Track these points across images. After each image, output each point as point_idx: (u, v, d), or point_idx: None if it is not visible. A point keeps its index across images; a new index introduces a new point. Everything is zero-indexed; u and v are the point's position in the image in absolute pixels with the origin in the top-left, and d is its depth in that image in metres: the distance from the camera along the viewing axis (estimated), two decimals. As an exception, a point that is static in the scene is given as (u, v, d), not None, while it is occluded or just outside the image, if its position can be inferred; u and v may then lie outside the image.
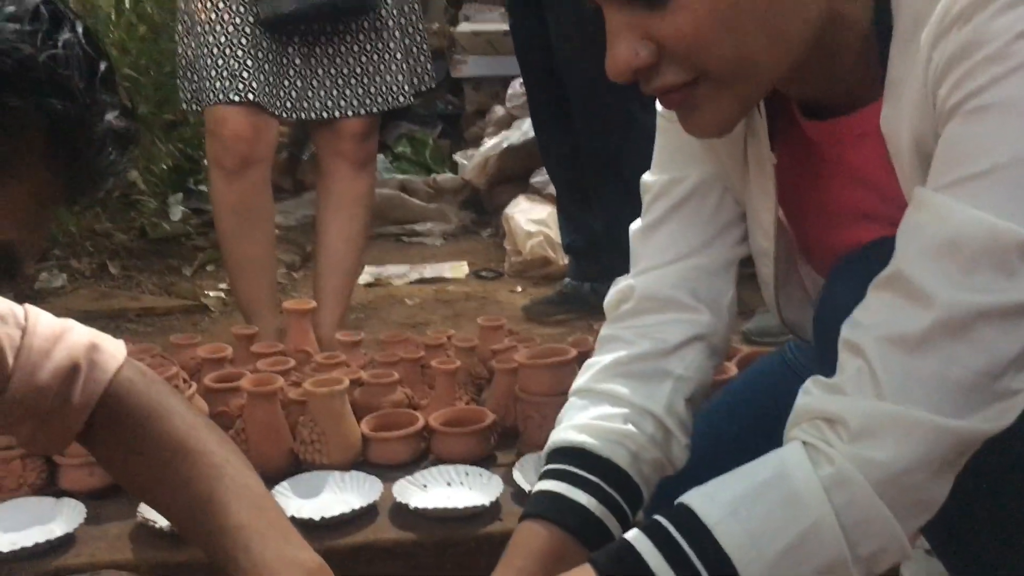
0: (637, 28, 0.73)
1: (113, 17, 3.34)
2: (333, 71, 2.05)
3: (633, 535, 0.73)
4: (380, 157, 4.32)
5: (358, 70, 2.06)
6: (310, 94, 2.05)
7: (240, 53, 1.95)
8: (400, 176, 4.09)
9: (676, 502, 0.74)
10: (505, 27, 3.21)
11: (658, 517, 0.73)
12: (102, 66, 0.59)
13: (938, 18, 0.69)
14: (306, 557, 0.77)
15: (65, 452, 1.41)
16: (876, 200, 0.83)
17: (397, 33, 2.09)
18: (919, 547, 1.30)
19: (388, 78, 2.08)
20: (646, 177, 1.00)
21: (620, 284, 1.00)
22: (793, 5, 0.72)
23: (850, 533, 0.69)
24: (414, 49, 2.15)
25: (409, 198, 3.87)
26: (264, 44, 1.98)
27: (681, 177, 0.96)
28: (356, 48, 2.06)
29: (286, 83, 2.02)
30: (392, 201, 3.82)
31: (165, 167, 3.59)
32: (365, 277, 3.18)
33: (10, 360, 0.80)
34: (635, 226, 1.00)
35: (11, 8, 0.55)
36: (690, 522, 0.71)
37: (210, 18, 1.96)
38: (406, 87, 2.11)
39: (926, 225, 0.68)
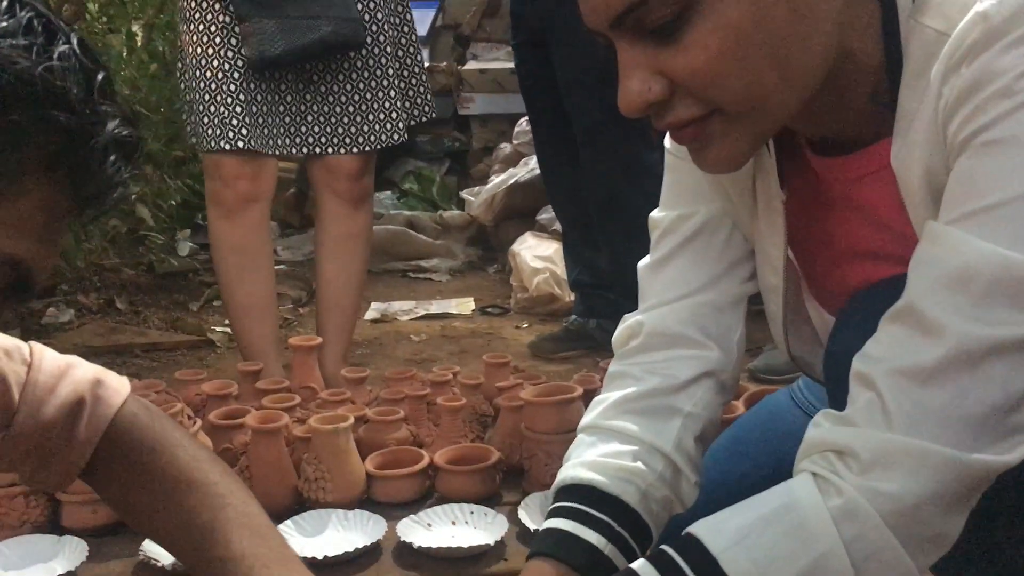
0: (650, 63, 0.73)
1: (125, 55, 3.38)
2: (326, 108, 2.06)
3: (639, 564, 0.72)
4: (387, 193, 4.36)
5: (351, 108, 2.07)
6: (303, 130, 2.06)
7: (230, 100, 1.96)
8: (407, 212, 4.11)
9: (683, 532, 0.73)
10: (511, 66, 3.24)
11: (664, 547, 0.73)
12: (100, 76, 0.59)
13: (947, 54, 0.69)
14: None
15: (67, 490, 1.41)
16: (885, 238, 0.83)
17: (391, 70, 2.09)
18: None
19: (382, 116, 2.08)
20: (655, 213, 1.00)
21: (629, 320, 0.99)
22: (805, 41, 0.73)
23: (860, 567, 0.68)
24: (413, 81, 2.15)
25: (416, 234, 3.88)
26: (254, 83, 1.98)
27: (690, 213, 0.96)
28: (349, 86, 2.06)
29: (277, 120, 2.03)
30: (399, 237, 3.83)
31: (173, 203, 3.61)
32: (371, 313, 3.18)
33: (16, 396, 0.79)
34: (644, 262, 1.00)
35: (4, 23, 0.55)
36: (696, 551, 0.70)
37: (199, 58, 1.97)
38: (400, 124, 2.11)
39: (938, 258, 0.68)
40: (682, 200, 0.97)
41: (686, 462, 0.92)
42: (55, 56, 0.56)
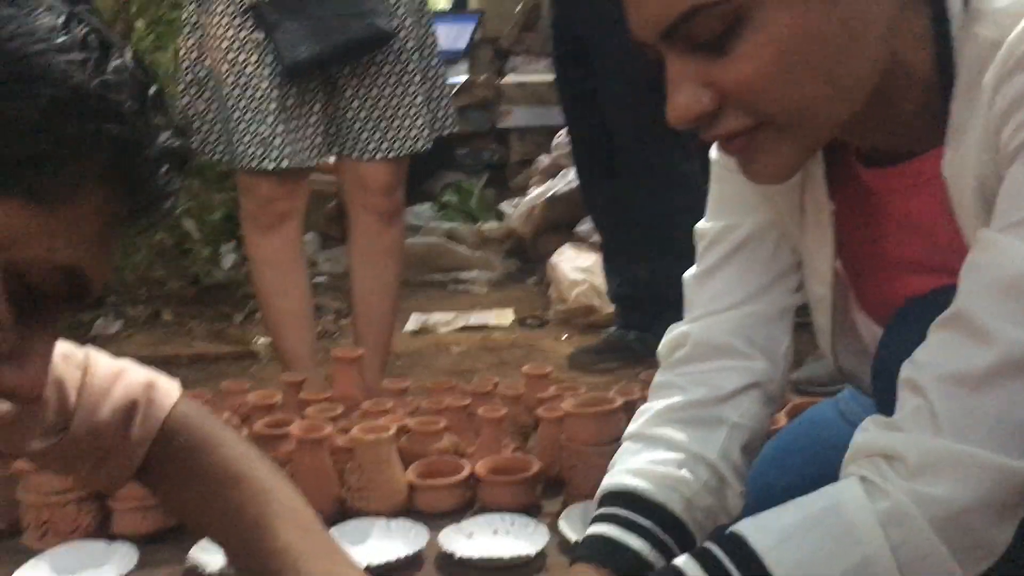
0: (699, 75, 0.73)
1: (172, 71, 3.45)
2: (350, 114, 2.07)
3: (682, 560, 0.73)
4: (426, 206, 4.40)
5: (375, 113, 2.07)
6: (332, 131, 2.08)
7: (271, 119, 1.97)
8: (446, 224, 4.13)
9: (728, 530, 0.73)
10: (550, 78, 3.26)
11: (708, 544, 0.73)
12: (152, 90, 0.60)
13: (1000, 62, 0.69)
14: (355, 575, 0.77)
15: (117, 496, 1.44)
16: (935, 249, 0.83)
17: (417, 77, 2.09)
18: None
19: (407, 122, 2.08)
20: (701, 224, 1.00)
21: (675, 331, 1.00)
22: (856, 54, 0.73)
23: (906, 570, 0.67)
24: (435, 93, 2.16)
25: (455, 246, 3.91)
26: (290, 100, 2.00)
27: (736, 224, 0.96)
28: (375, 91, 2.06)
29: (309, 131, 2.04)
30: (438, 249, 3.86)
31: (217, 216, 3.67)
32: (411, 325, 3.20)
33: (72, 399, 0.82)
34: (690, 273, 1.00)
35: (61, 39, 0.56)
36: (740, 549, 0.70)
37: (237, 76, 1.98)
38: (426, 131, 2.11)
39: (989, 265, 0.68)
40: (729, 211, 0.97)
41: (731, 472, 0.92)
42: (109, 70, 0.58)
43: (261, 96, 1.98)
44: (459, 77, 4.75)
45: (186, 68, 2.09)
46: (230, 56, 2.00)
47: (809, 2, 0.70)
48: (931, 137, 0.77)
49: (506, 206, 4.10)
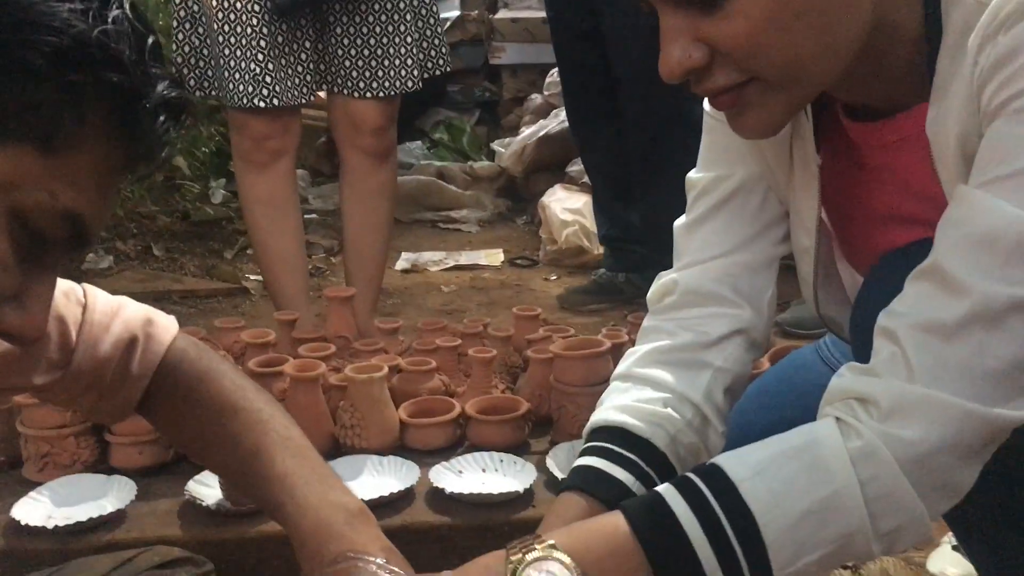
0: (691, 30, 0.74)
1: (161, 2, 3.40)
2: (340, 52, 2.06)
3: (663, 488, 0.76)
4: (418, 143, 4.37)
5: (366, 52, 2.06)
6: (322, 68, 2.07)
7: (260, 56, 1.96)
8: (437, 163, 4.12)
9: (708, 463, 0.77)
10: (543, 14, 3.21)
11: (688, 474, 0.77)
12: (150, 40, 0.62)
13: (984, 23, 0.71)
14: (348, 500, 0.81)
15: (115, 431, 1.47)
16: (916, 202, 0.85)
17: (409, 15, 2.08)
18: (946, 542, 1.31)
19: (397, 61, 2.07)
20: (692, 174, 1.02)
21: (663, 278, 1.02)
22: (845, 13, 0.74)
23: (872, 505, 0.71)
24: (427, 32, 2.14)
25: (446, 185, 3.90)
26: (280, 36, 1.98)
27: (726, 175, 0.98)
28: (365, 29, 2.05)
29: (300, 68, 2.03)
30: (429, 187, 3.86)
31: (207, 151, 3.65)
32: (401, 263, 3.22)
33: (73, 335, 0.84)
34: (679, 222, 1.02)
35: None
36: (718, 479, 0.74)
37: (227, 12, 1.96)
38: (415, 71, 2.10)
39: (964, 219, 0.70)
40: (719, 162, 0.99)
41: (714, 412, 0.95)
42: (110, 20, 0.59)
43: (252, 33, 1.96)
44: (451, 12, 4.68)
45: (179, 3, 2.06)
46: None
47: None
48: (917, 94, 0.79)
49: (498, 145, 4.08)
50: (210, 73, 2.05)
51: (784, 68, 0.75)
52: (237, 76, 1.97)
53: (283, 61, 2.00)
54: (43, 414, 1.45)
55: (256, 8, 1.96)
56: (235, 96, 1.99)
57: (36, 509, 1.34)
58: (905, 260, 0.77)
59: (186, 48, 2.06)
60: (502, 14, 4.60)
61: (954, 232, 0.71)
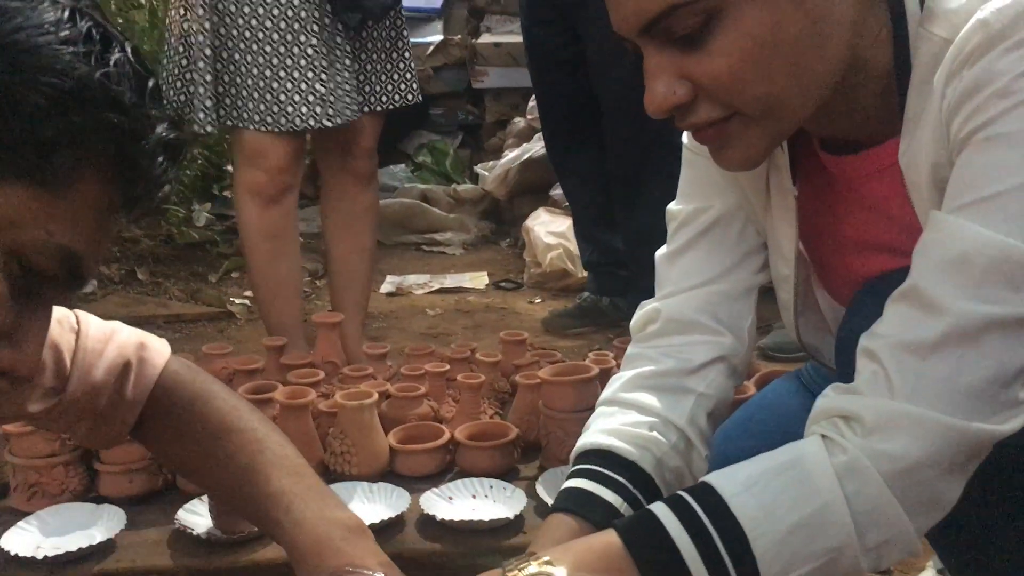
0: (675, 68, 0.77)
1: (147, 28, 3.42)
2: (367, 67, 2.11)
3: (655, 505, 0.78)
4: (401, 166, 4.39)
5: (388, 66, 2.13)
6: (367, 89, 2.10)
7: (325, 76, 1.97)
8: (421, 186, 4.14)
9: (699, 481, 0.79)
10: (526, 40, 3.24)
11: (680, 492, 0.78)
12: (150, 83, 0.63)
13: (951, 58, 0.74)
14: (345, 516, 0.81)
15: (104, 460, 1.47)
16: (893, 231, 0.88)
17: (405, 31, 2.15)
18: (931, 567, 1.33)
19: (396, 76, 2.13)
20: (672, 206, 1.04)
21: (646, 307, 1.04)
22: (821, 49, 0.77)
23: (859, 519, 0.73)
24: (400, 64, 2.18)
25: (430, 208, 3.92)
26: (333, 56, 2.01)
27: (705, 207, 1.01)
28: (388, 44, 2.12)
29: (348, 87, 2.05)
30: (413, 210, 3.88)
31: (191, 174, 3.65)
32: (386, 286, 3.23)
33: (68, 362, 0.84)
34: (661, 252, 1.05)
35: (65, 32, 0.59)
36: (708, 495, 0.76)
37: (284, 33, 1.96)
38: (415, 86, 2.16)
39: (939, 243, 0.73)
40: (698, 194, 1.02)
41: (698, 437, 0.97)
42: (111, 63, 0.60)
43: (313, 54, 1.97)
44: (434, 36, 4.72)
45: (175, 29, 2.03)
46: (282, 15, 1.96)
47: (780, 1, 0.74)
48: (889, 127, 0.82)
49: (481, 168, 4.11)
50: (208, 104, 1.99)
51: (764, 104, 0.78)
52: (297, 98, 1.96)
53: (338, 79, 2.03)
54: (31, 443, 1.45)
55: (315, 28, 1.97)
56: (291, 118, 1.97)
57: (25, 539, 1.33)
58: (887, 287, 0.79)
59: (175, 70, 2.02)
60: (485, 38, 4.64)
61: (929, 255, 0.74)
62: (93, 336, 0.88)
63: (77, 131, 0.59)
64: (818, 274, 1.01)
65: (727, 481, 0.76)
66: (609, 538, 0.76)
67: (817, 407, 0.78)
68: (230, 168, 3.90)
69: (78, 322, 0.88)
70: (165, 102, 0.66)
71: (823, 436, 0.75)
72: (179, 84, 2.01)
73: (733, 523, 0.74)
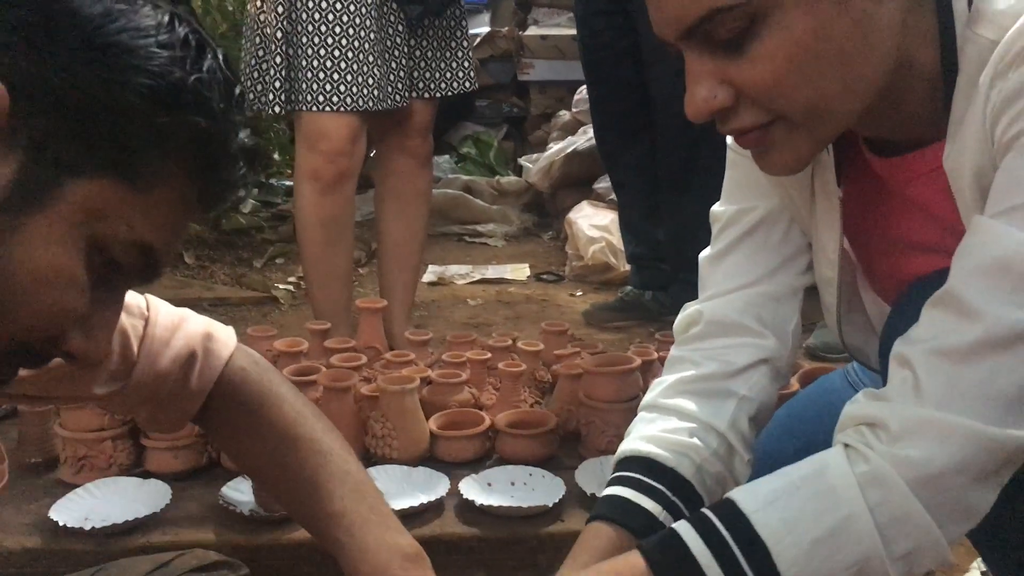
0: (716, 73, 0.76)
1: (200, 15, 3.47)
2: (417, 53, 2.12)
3: (679, 524, 0.78)
4: (445, 157, 4.41)
5: (448, 53, 2.14)
6: (415, 75, 2.12)
7: (371, 59, 1.99)
8: (465, 177, 4.15)
9: (724, 497, 0.79)
10: (573, 32, 3.24)
11: (703, 510, 0.78)
12: (237, 90, 0.66)
13: (996, 60, 0.73)
14: (405, 543, 0.82)
15: (152, 435, 1.50)
16: (939, 232, 0.86)
17: (464, 20, 2.17)
18: (975, 568, 1.31)
19: (455, 64, 2.15)
20: (716, 207, 1.04)
21: (689, 309, 1.04)
22: (867, 53, 0.76)
23: (884, 530, 0.72)
24: (459, 53, 2.19)
25: (473, 199, 3.93)
26: (388, 41, 2.03)
27: (749, 208, 1.00)
28: (447, 32, 2.13)
29: (401, 73, 2.08)
30: (456, 201, 3.89)
31: (239, 161, 3.70)
32: (428, 276, 3.25)
33: (135, 350, 0.86)
34: (704, 254, 1.04)
35: (164, 37, 0.62)
36: (731, 512, 0.76)
37: (340, 14, 1.99)
38: (472, 73, 2.17)
39: (979, 247, 0.72)
40: (743, 195, 1.01)
41: (739, 441, 0.97)
42: (204, 69, 0.63)
43: (365, 37, 2.00)
44: (481, 28, 4.72)
45: (248, 15, 2.09)
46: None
47: (823, 4, 0.73)
48: (936, 130, 0.81)
49: (525, 160, 4.11)
50: (277, 86, 2.02)
51: (808, 108, 0.77)
52: (353, 79, 1.98)
53: (392, 65, 2.05)
54: (81, 417, 1.48)
55: (374, 13, 2.01)
56: (348, 98, 1.99)
57: (73, 510, 1.37)
58: (929, 289, 0.78)
59: (251, 60, 2.08)
60: (532, 31, 4.64)
61: (968, 260, 0.73)
62: (162, 324, 0.90)
63: (166, 132, 0.62)
64: (865, 275, 1.00)
65: (750, 497, 0.76)
66: (634, 559, 0.76)
67: (845, 413, 0.78)
68: (277, 156, 3.95)
69: (148, 308, 0.90)
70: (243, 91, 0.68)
71: (846, 446, 0.75)
72: (255, 74, 2.07)
73: (755, 538, 0.73)
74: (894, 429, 0.72)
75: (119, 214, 0.62)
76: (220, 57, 0.65)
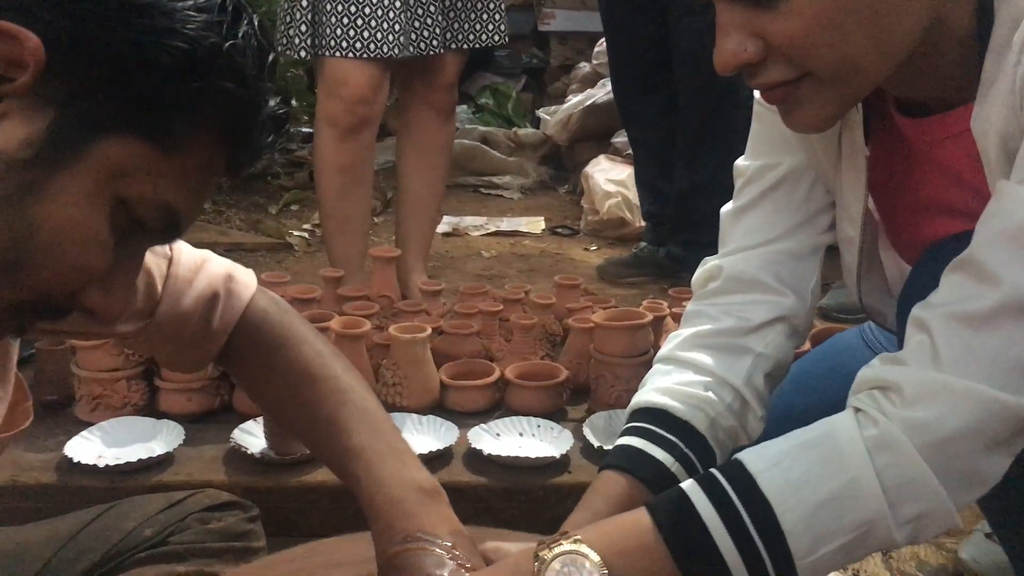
0: (747, 25, 0.75)
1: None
2: (439, 3, 2.08)
3: (686, 483, 0.78)
4: (463, 107, 4.38)
5: (477, 3, 2.12)
6: (437, 29, 2.09)
7: (398, 3, 1.97)
8: (482, 128, 4.12)
9: (732, 458, 0.79)
10: (596, -17, 3.19)
11: (711, 470, 0.78)
12: (270, 57, 0.66)
13: None
14: (421, 477, 0.83)
15: (164, 377, 1.51)
16: (965, 195, 0.85)
17: None
18: (979, 530, 1.32)
19: (484, 16, 2.13)
20: (739, 161, 1.03)
21: (708, 263, 1.03)
22: (899, 12, 0.74)
23: (891, 493, 0.71)
24: (490, 5, 2.16)
25: (490, 150, 3.91)
26: None
27: (774, 163, 0.99)
28: None
29: (429, 21, 2.05)
30: (472, 152, 3.87)
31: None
32: (443, 227, 3.24)
33: (159, 288, 0.87)
34: (726, 208, 1.03)
35: (202, 0, 0.62)
36: (738, 472, 0.76)
37: None
38: (502, 26, 2.15)
39: (1002, 213, 0.71)
40: (767, 150, 1.00)
41: (754, 397, 0.97)
42: (239, 35, 0.63)
43: None
44: (502, -24, 4.65)
45: None
46: None
47: None
48: (967, 92, 0.79)
49: (543, 112, 4.08)
50: (303, 30, 2.01)
51: (837, 66, 0.76)
52: (376, 25, 1.96)
53: (419, 12, 2.03)
54: (97, 357, 1.50)
55: None
56: (371, 44, 1.97)
57: (88, 448, 1.39)
58: (950, 251, 0.77)
59: (284, 4, 2.06)
60: (554, -21, 4.57)
61: (991, 225, 0.72)
62: (185, 264, 0.90)
63: (198, 96, 0.62)
64: (888, 235, 0.99)
65: (757, 458, 0.75)
66: (640, 517, 0.76)
67: (859, 377, 0.77)
68: (295, 102, 3.93)
69: (171, 248, 0.90)
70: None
71: (857, 409, 0.74)
72: (288, 18, 2.05)
73: (761, 499, 0.73)
74: (908, 393, 0.71)
75: (146, 175, 0.62)
76: (255, 23, 0.65)
